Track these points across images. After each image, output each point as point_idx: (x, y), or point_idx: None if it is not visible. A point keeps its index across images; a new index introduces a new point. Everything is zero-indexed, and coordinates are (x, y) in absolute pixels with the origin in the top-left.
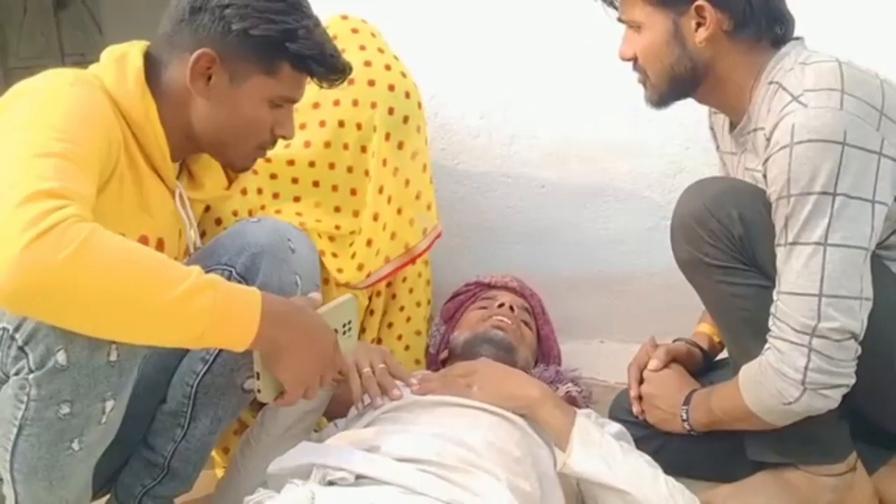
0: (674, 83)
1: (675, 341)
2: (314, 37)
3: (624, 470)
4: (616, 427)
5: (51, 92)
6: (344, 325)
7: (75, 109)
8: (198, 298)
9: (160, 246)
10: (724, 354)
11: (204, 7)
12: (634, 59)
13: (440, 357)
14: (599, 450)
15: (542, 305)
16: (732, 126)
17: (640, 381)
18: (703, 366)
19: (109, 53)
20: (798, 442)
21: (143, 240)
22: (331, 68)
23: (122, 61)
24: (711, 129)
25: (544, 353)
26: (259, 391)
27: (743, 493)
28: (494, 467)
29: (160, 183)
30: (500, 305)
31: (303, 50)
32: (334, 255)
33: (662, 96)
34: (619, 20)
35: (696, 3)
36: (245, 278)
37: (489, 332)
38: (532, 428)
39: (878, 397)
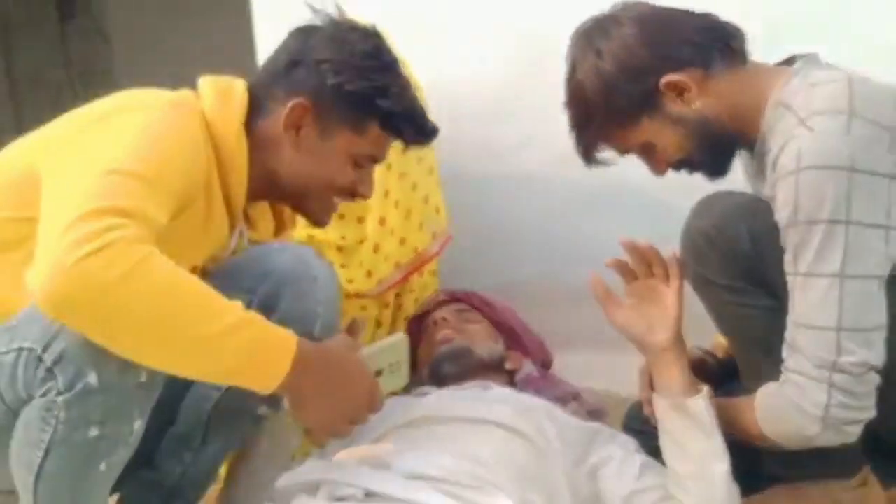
0: (711, 149)
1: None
2: (406, 96)
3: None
4: (624, 438)
5: (149, 112)
6: (391, 364)
7: (168, 133)
8: (235, 337)
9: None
10: None
11: (302, 61)
12: (671, 165)
13: None
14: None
15: (480, 298)
16: (750, 151)
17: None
18: (718, 374)
19: (213, 84)
20: (810, 457)
21: (193, 270)
22: (419, 129)
23: (228, 95)
24: (743, 164)
25: (509, 335)
26: (287, 428)
27: None
28: (506, 482)
29: (225, 217)
30: (435, 323)
31: (393, 108)
32: (343, 266)
33: (715, 165)
34: (625, 153)
35: (662, 82)
36: (267, 306)
37: (437, 353)
38: (543, 442)
39: (891, 419)
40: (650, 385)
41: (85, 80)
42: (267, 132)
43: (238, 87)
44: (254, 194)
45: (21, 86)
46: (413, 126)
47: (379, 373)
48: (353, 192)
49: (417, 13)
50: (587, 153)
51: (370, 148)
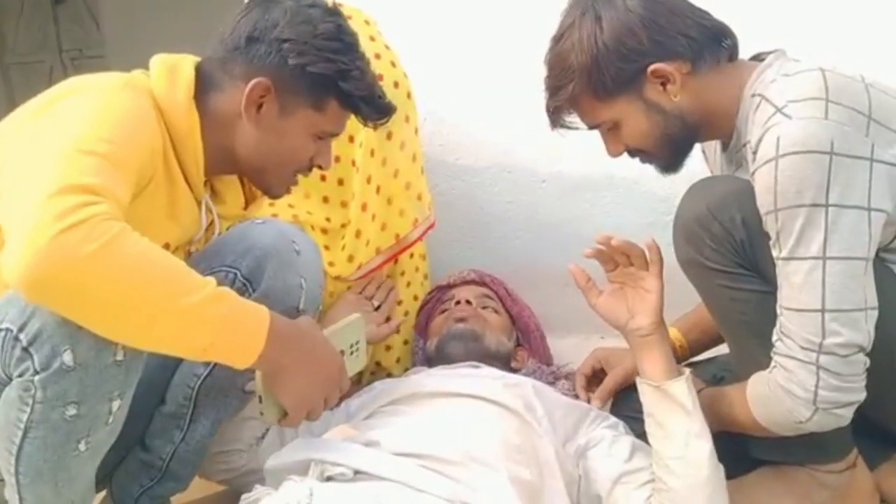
0: (675, 144)
1: None
2: (366, 78)
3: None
4: (614, 420)
5: (102, 93)
6: (351, 346)
7: (123, 114)
8: (210, 310)
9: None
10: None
11: (261, 38)
12: (628, 150)
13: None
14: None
15: (506, 288)
16: (724, 146)
17: (587, 389)
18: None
19: (161, 62)
20: (799, 441)
21: (166, 247)
22: (377, 109)
23: (174, 72)
24: (704, 152)
25: (523, 332)
26: (262, 413)
27: (744, 488)
28: (494, 458)
29: (189, 193)
30: (458, 303)
31: (354, 90)
32: (326, 247)
33: (672, 162)
34: (591, 128)
35: (649, 69)
36: (250, 280)
37: (451, 329)
38: (531, 417)
39: (880, 399)
40: (586, 388)
41: (77, 64)
42: (223, 108)
43: (185, 64)
44: (213, 168)
45: (13, 70)
46: (371, 106)
47: (341, 354)
48: (312, 166)
49: (410, 6)
50: (555, 116)
51: (329, 125)
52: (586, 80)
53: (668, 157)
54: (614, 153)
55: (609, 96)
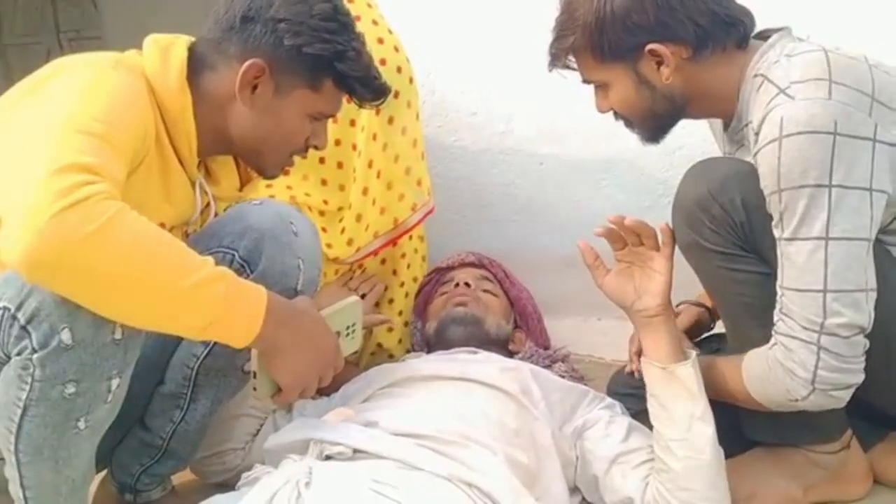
0: (658, 120)
1: (679, 305)
2: (362, 59)
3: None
4: (610, 401)
5: (94, 72)
6: (347, 328)
7: (115, 92)
8: (210, 289)
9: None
10: None
11: (256, 18)
12: (614, 112)
13: (426, 352)
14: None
15: (504, 271)
16: (726, 126)
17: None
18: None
19: (154, 42)
20: (794, 422)
21: (161, 228)
22: (372, 90)
23: (166, 52)
24: (712, 129)
25: (521, 315)
26: (255, 389)
27: (739, 468)
28: (491, 440)
29: (183, 173)
30: (457, 285)
31: (349, 71)
32: (323, 229)
33: (653, 134)
34: (584, 82)
35: (647, 47)
36: (247, 262)
37: (451, 312)
38: (528, 400)
39: (875, 381)
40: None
41: (74, 45)
42: (217, 89)
43: (178, 44)
44: (207, 149)
45: (10, 51)
46: (367, 87)
47: (336, 335)
48: (307, 147)
49: None
50: (554, 60)
51: (325, 105)
52: (587, 39)
53: (650, 130)
54: (601, 110)
55: (604, 60)
